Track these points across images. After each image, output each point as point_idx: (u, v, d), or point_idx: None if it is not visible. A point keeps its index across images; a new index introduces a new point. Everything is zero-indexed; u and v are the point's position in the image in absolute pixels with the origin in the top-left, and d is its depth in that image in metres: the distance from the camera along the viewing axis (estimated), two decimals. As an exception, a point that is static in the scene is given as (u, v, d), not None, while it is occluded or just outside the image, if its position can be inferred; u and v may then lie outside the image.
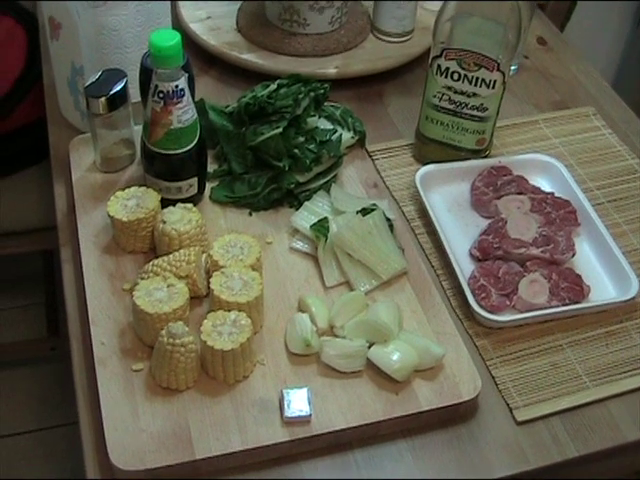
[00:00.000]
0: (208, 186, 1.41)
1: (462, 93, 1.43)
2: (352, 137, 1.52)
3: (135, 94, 1.40)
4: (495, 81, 1.40)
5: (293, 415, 1.11)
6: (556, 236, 1.36)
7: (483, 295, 1.28)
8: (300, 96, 1.41)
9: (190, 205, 1.29)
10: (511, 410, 1.19)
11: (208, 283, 1.20)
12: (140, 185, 1.33)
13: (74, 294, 1.28)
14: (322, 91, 1.46)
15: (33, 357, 2.47)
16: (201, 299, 1.25)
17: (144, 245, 1.30)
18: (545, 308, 1.29)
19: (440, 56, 1.40)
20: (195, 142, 1.31)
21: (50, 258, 2.34)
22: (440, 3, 1.39)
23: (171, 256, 1.23)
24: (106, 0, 1.37)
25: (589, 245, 1.40)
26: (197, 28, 1.72)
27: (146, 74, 1.30)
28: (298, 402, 1.12)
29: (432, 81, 1.44)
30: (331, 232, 1.31)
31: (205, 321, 1.14)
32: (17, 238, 2.04)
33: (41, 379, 2.42)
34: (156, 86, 1.24)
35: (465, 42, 1.38)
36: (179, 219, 1.26)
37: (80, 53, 1.41)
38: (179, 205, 1.29)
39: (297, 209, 1.38)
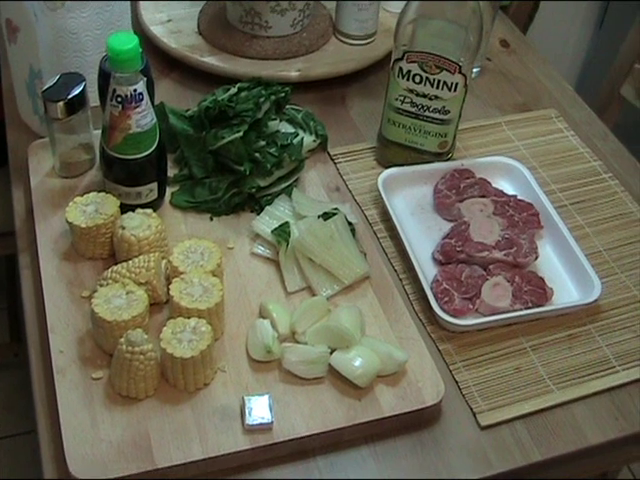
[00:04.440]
0: (168, 191, 1.40)
1: (424, 96, 1.42)
2: (314, 140, 1.51)
3: (94, 98, 1.38)
4: (457, 84, 1.40)
5: (254, 423, 1.10)
6: (519, 239, 1.35)
7: (446, 299, 1.28)
8: (261, 99, 1.41)
9: (150, 210, 1.28)
10: (475, 414, 1.18)
11: (168, 289, 1.19)
12: (99, 190, 1.32)
13: (33, 301, 1.26)
14: (283, 94, 1.45)
15: (-4, 363, 2.45)
16: (161, 306, 1.24)
17: (103, 251, 1.29)
18: (508, 311, 1.28)
19: (402, 59, 1.40)
20: (155, 147, 1.29)
21: (12, 263, 2.32)
22: (402, 5, 1.39)
23: (130, 262, 1.22)
24: (66, 0, 1.35)
25: (552, 248, 1.40)
26: (158, 31, 1.71)
27: (105, 78, 1.28)
28: (259, 409, 1.11)
29: (394, 84, 1.43)
30: (293, 237, 1.30)
31: (165, 328, 1.13)
32: (-23, 243, 2.01)
33: (4, 386, 2.40)
34: (114, 90, 1.23)
35: (427, 45, 1.37)
36: (138, 225, 1.25)
37: (38, 56, 1.39)
38: (139, 211, 1.28)
39: (258, 214, 1.37)
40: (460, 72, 1.38)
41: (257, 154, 1.38)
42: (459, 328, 1.27)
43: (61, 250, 1.30)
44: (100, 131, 1.31)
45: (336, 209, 1.35)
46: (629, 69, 2.02)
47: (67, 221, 1.27)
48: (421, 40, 1.37)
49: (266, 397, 1.12)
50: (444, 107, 1.43)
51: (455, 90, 1.40)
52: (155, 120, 1.28)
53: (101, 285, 1.20)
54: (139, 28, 1.68)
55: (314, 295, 1.27)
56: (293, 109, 1.51)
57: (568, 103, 1.75)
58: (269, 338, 1.17)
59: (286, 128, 1.47)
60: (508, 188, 1.48)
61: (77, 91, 1.33)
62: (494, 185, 1.47)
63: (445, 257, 1.35)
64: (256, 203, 1.40)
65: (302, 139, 1.45)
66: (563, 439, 1.18)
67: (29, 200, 1.38)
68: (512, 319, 1.29)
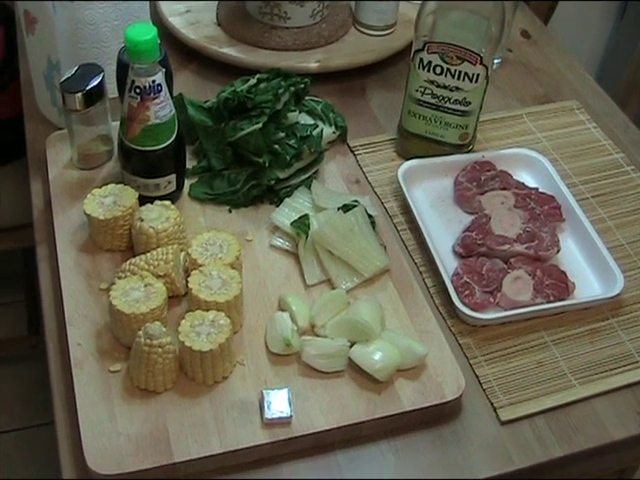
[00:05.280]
0: (187, 183, 1.39)
1: (445, 87, 1.41)
2: (333, 132, 1.50)
3: (113, 89, 1.37)
4: (478, 75, 1.38)
5: (273, 416, 1.09)
6: (540, 232, 1.34)
7: (467, 292, 1.27)
8: (280, 91, 1.39)
9: (168, 202, 1.27)
10: (495, 409, 1.17)
11: (187, 282, 1.18)
12: (117, 182, 1.31)
13: (50, 293, 1.26)
14: (303, 85, 1.44)
15: (14, 355, 2.45)
16: (179, 298, 1.23)
17: (121, 243, 1.28)
18: (529, 305, 1.27)
19: (422, 49, 1.38)
20: (173, 138, 1.29)
21: (31, 256, 2.31)
22: (422, -5, 1.38)
23: (149, 255, 1.21)
24: (82, -1, 1.35)
25: (574, 241, 1.39)
26: (176, 22, 1.70)
27: (123, 69, 1.28)
28: (278, 403, 1.10)
29: (414, 75, 1.42)
30: (312, 229, 1.29)
31: (183, 321, 1.12)
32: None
33: (22, 378, 2.40)
34: (133, 81, 1.22)
35: (448, 35, 1.36)
36: (157, 217, 1.24)
37: (56, 48, 1.39)
38: (157, 202, 1.27)
39: (277, 206, 1.36)
40: (481, 63, 1.37)
41: (276, 146, 1.37)
42: (480, 322, 1.26)
43: (79, 242, 1.30)
44: (118, 122, 1.30)
45: (356, 201, 1.34)
46: (651, 60, 2.00)
47: (85, 213, 1.26)
48: (442, 31, 1.36)
49: (285, 391, 1.11)
50: (465, 98, 1.41)
51: (476, 81, 1.39)
52: (174, 111, 1.28)
53: (119, 277, 1.19)
54: (157, 19, 1.68)
55: (333, 288, 1.26)
56: (312, 100, 1.50)
57: (589, 94, 1.73)
58: (288, 331, 1.16)
59: (305, 120, 1.46)
60: (529, 180, 1.47)
61: (95, 82, 1.32)
62: (515, 177, 1.45)
63: (466, 250, 1.33)
64: (275, 195, 1.39)
65: (321, 131, 1.45)
66: (585, 435, 1.16)
67: (47, 192, 1.38)
68: (533, 313, 1.27)
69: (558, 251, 1.34)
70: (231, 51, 1.65)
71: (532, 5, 2.06)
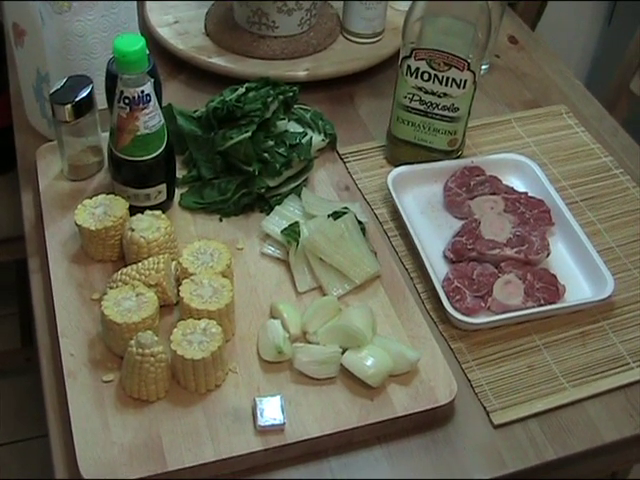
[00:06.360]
0: (177, 192, 1.39)
1: (433, 93, 1.41)
2: (323, 140, 1.50)
3: (102, 100, 1.37)
4: (466, 81, 1.39)
5: (266, 424, 1.09)
6: (530, 236, 1.34)
7: (458, 297, 1.27)
8: (269, 99, 1.40)
9: (159, 212, 1.28)
10: (488, 413, 1.17)
11: (178, 291, 1.18)
12: (108, 193, 1.31)
13: (43, 305, 1.26)
14: (291, 94, 1.45)
15: (8, 368, 2.44)
16: (171, 307, 1.23)
17: (113, 254, 1.28)
18: (520, 309, 1.27)
19: (410, 56, 1.39)
20: (163, 148, 1.29)
21: (23, 268, 2.31)
22: (409, 3, 1.38)
23: (140, 264, 1.21)
24: (73, 0, 1.35)
25: (564, 244, 1.39)
26: (165, 32, 1.71)
27: (112, 80, 1.28)
28: (271, 410, 1.10)
29: (402, 82, 1.43)
30: (302, 237, 1.30)
31: (175, 330, 1.12)
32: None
33: (16, 390, 2.40)
34: (121, 92, 1.22)
35: (435, 42, 1.36)
36: (148, 227, 1.24)
37: (45, 60, 1.39)
38: (147, 212, 1.27)
39: (268, 214, 1.37)
40: (469, 69, 1.37)
41: (266, 154, 1.38)
42: (471, 326, 1.26)
43: (70, 253, 1.30)
44: (108, 133, 1.30)
45: (346, 208, 1.35)
46: (638, 64, 2.01)
47: (76, 224, 1.27)
48: (429, 37, 1.37)
49: (278, 398, 1.12)
50: (453, 104, 1.42)
51: (464, 87, 1.40)
52: (163, 121, 1.28)
53: (111, 287, 1.20)
54: (146, 30, 1.68)
55: (325, 295, 1.27)
56: (301, 109, 1.51)
57: (578, 99, 1.74)
58: (280, 338, 1.17)
59: (295, 128, 1.46)
60: (519, 185, 1.47)
61: (85, 94, 1.32)
62: (504, 182, 1.46)
63: (456, 255, 1.34)
64: (265, 203, 1.39)
65: (311, 138, 1.45)
66: (577, 437, 1.17)
67: (38, 203, 1.38)
68: (524, 317, 1.28)
69: (548, 255, 1.35)
70: (220, 61, 1.66)
71: (519, 10, 2.08)
